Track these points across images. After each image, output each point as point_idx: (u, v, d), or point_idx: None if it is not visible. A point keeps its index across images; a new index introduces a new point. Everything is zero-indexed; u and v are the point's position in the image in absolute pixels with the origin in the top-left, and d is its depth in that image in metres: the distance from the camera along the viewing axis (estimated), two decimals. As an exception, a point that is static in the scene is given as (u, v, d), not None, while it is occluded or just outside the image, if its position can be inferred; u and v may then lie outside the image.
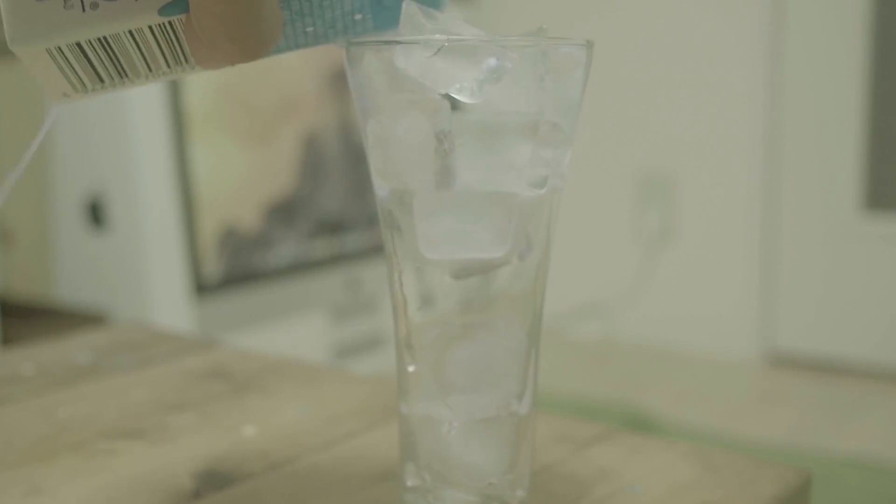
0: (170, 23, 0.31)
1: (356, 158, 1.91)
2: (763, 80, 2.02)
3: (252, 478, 0.45)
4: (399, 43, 0.36)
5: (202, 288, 1.64)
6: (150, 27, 0.31)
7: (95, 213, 1.61)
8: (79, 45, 0.32)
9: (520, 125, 0.36)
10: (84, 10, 0.30)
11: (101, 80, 0.34)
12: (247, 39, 0.32)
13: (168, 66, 0.34)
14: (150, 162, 1.56)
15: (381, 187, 0.38)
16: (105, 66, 0.33)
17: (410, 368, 0.40)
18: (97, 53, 0.32)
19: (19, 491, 0.44)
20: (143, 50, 0.32)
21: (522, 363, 0.39)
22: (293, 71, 1.79)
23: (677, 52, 2.11)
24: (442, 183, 0.36)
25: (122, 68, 0.33)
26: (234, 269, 1.69)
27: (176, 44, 0.32)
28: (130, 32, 0.31)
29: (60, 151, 1.65)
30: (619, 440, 0.49)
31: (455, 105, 0.35)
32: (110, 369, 0.62)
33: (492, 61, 0.35)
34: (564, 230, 1.63)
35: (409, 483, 0.41)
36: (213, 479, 0.45)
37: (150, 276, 1.57)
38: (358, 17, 0.36)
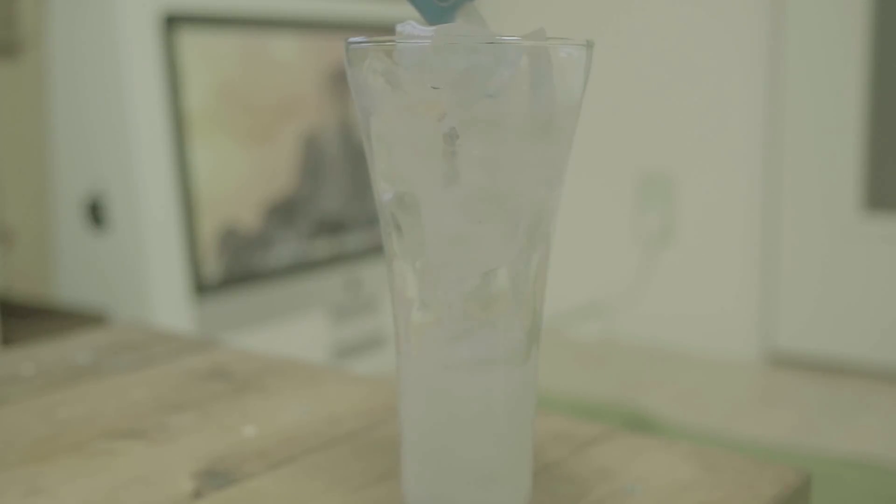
0: None
1: (356, 158, 1.91)
2: (763, 80, 2.02)
3: (252, 478, 0.45)
4: (401, 43, 0.36)
5: (202, 288, 1.64)
6: None
7: (95, 213, 1.61)
8: None
9: (524, 126, 0.36)
10: None
11: None
12: None
13: None
14: (150, 162, 1.56)
15: (385, 190, 0.38)
16: None
17: (410, 368, 0.40)
18: None
19: (19, 491, 0.44)
20: None
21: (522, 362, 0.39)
22: (293, 71, 1.79)
23: (677, 52, 2.11)
24: (448, 185, 0.36)
25: None
26: (234, 269, 1.69)
27: None
28: None
29: (60, 151, 1.65)
30: (619, 440, 0.49)
31: (461, 106, 0.35)
32: (110, 369, 0.62)
33: (499, 62, 0.35)
34: (564, 230, 1.63)
35: (410, 483, 0.41)
36: (213, 479, 0.45)
37: (150, 276, 1.57)
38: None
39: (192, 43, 1.61)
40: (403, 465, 0.41)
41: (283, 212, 1.78)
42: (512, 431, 0.39)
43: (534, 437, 0.41)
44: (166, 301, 1.59)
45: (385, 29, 1.94)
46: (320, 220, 1.85)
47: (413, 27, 0.37)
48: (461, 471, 0.39)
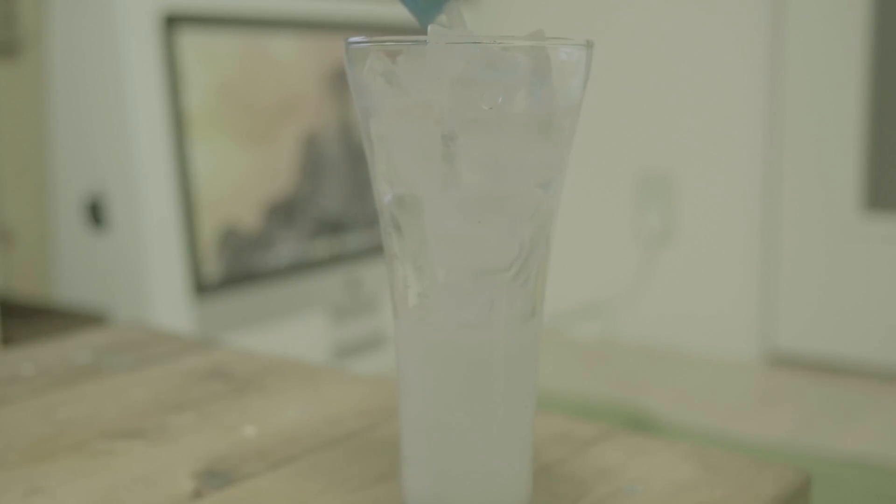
0: None
1: (356, 158, 1.91)
2: (763, 81, 2.02)
3: (252, 478, 0.45)
4: (401, 43, 0.36)
5: (202, 288, 1.64)
6: None
7: (95, 213, 1.61)
8: None
9: (524, 127, 0.36)
10: None
11: None
12: None
13: None
14: (150, 162, 1.56)
15: (385, 191, 0.38)
16: None
17: (411, 376, 0.40)
18: None
19: (19, 491, 0.44)
20: None
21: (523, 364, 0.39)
22: (293, 71, 1.79)
23: (677, 52, 2.11)
24: (448, 186, 0.36)
25: None
26: (234, 269, 1.69)
27: None
28: None
29: (60, 151, 1.65)
30: (619, 440, 0.49)
31: (460, 108, 0.35)
32: (110, 369, 0.62)
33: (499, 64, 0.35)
34: (564, 230, 1.63)
35: (410, 484, 0.41)
36: (213, 479, 0.45)
37: (150, 276, 1.57)
38: None
39: (192, 43, 1.61)
40: (403, 466, 0.41)
41: (283, 212, 1.78)
42: (509, 414, 0.39)
43: (534, 437, 0.41)
44: (166, 301, 1.59)
45: (385, 29, 1.94)
46: (320, 220, 1.85)
47: (441, 30, 0.37)
48: (461, 460, 0.39)
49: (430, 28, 0.37)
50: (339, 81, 1.86)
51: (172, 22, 1.58)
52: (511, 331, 0.38)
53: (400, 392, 0.40)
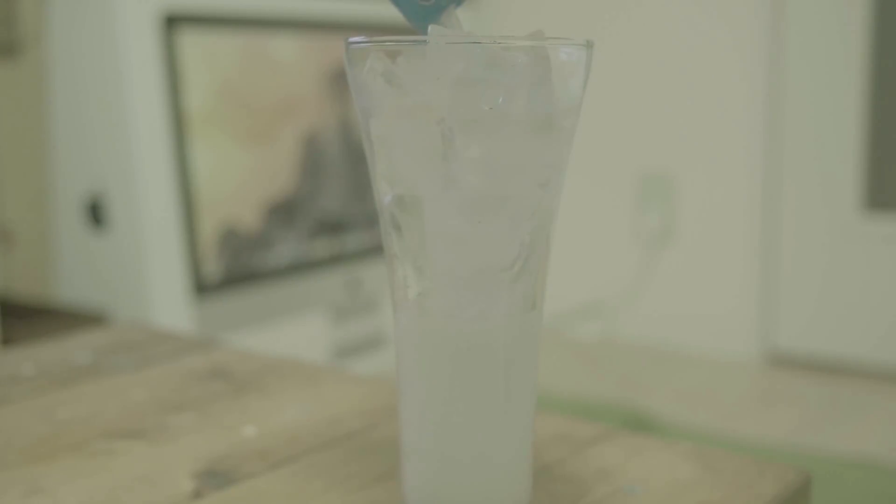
0: None
1: (356, 158, 1.91)
2: (763, 80, 2.02)
3: (252, 478, 0.45)
4: (401, 44, 0.36)
5: (202, 288, 1.64)
6: None
7: (95, 213, 1.61)
8: None
9: (524, 127, 0.36)
10: None
11: None
12: None
13: None
14: (150, 162, 1.56)
15: (385, 191, 0.38)
16: None
17: (410, 368, 0.40)
18: None
19: (19, 491, 0.44)
20: None
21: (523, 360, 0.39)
22: (293, 71, 1.79)
23: (677, 52, 2.11)
24: (448, 186, 0.36)
25: None
26: (234, 269, 1.69)
27: None
28: None
29: (60, 151, 1.65)
30: (619, 440, 0.49)
31: (461, 108, 0.35)
32: (110, 369, 0.62)
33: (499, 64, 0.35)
34: (564, 230, 1.64)
35: (410, 480, 0.41)
36: (213, 479, 0.45)
37: (150, 276, 1.57)
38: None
39: (192, 43, 1.61)
40: (403, 465, 0.41)
41: (283, 212, 1.78)
42: (509, 409, 0.39)
43: (534, 437, 0.41)
44: (166, 301, 1.59)
45: (385, 29, 1.94)
46: (320, 220, 1.85)
47: (441, 30, 0.37)
48: (462, 455, 0.39)
49: (430, 28, 0.37)
50: (339, 81, 1.86)
51: (172, 22, 1.58)
52: (510, 324, 0.38)
53: (399, 388, 0.40)
